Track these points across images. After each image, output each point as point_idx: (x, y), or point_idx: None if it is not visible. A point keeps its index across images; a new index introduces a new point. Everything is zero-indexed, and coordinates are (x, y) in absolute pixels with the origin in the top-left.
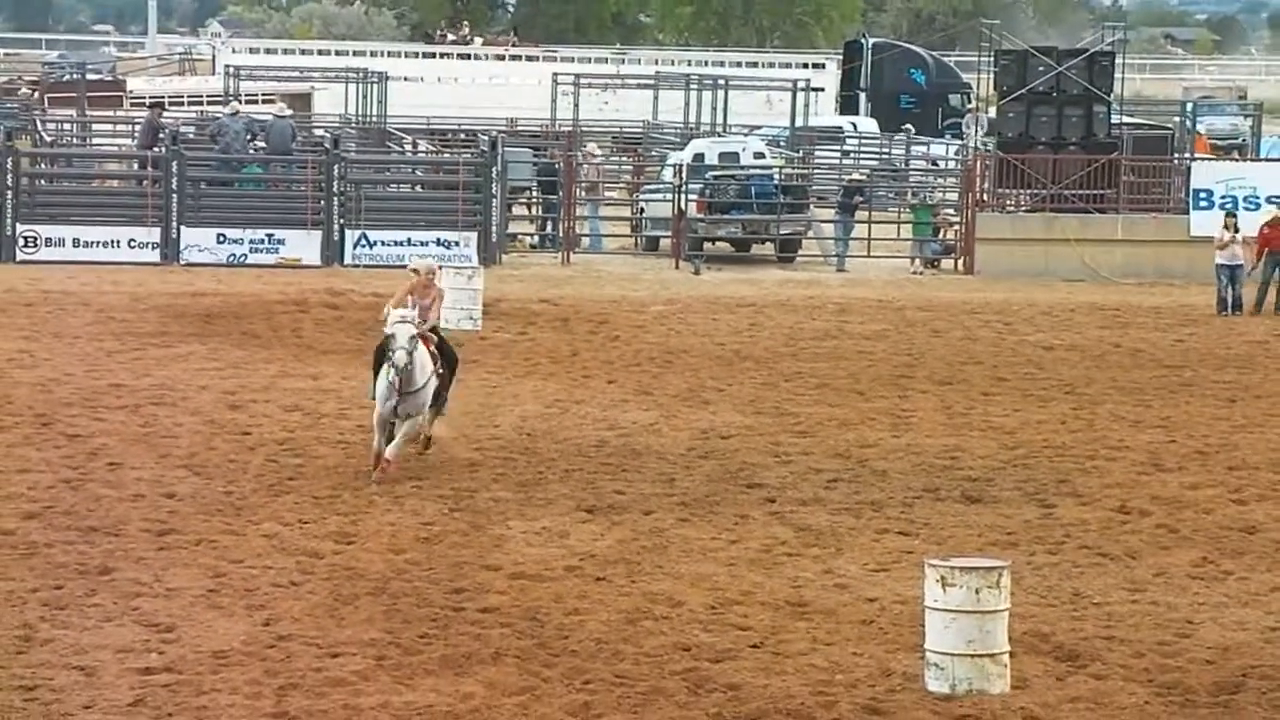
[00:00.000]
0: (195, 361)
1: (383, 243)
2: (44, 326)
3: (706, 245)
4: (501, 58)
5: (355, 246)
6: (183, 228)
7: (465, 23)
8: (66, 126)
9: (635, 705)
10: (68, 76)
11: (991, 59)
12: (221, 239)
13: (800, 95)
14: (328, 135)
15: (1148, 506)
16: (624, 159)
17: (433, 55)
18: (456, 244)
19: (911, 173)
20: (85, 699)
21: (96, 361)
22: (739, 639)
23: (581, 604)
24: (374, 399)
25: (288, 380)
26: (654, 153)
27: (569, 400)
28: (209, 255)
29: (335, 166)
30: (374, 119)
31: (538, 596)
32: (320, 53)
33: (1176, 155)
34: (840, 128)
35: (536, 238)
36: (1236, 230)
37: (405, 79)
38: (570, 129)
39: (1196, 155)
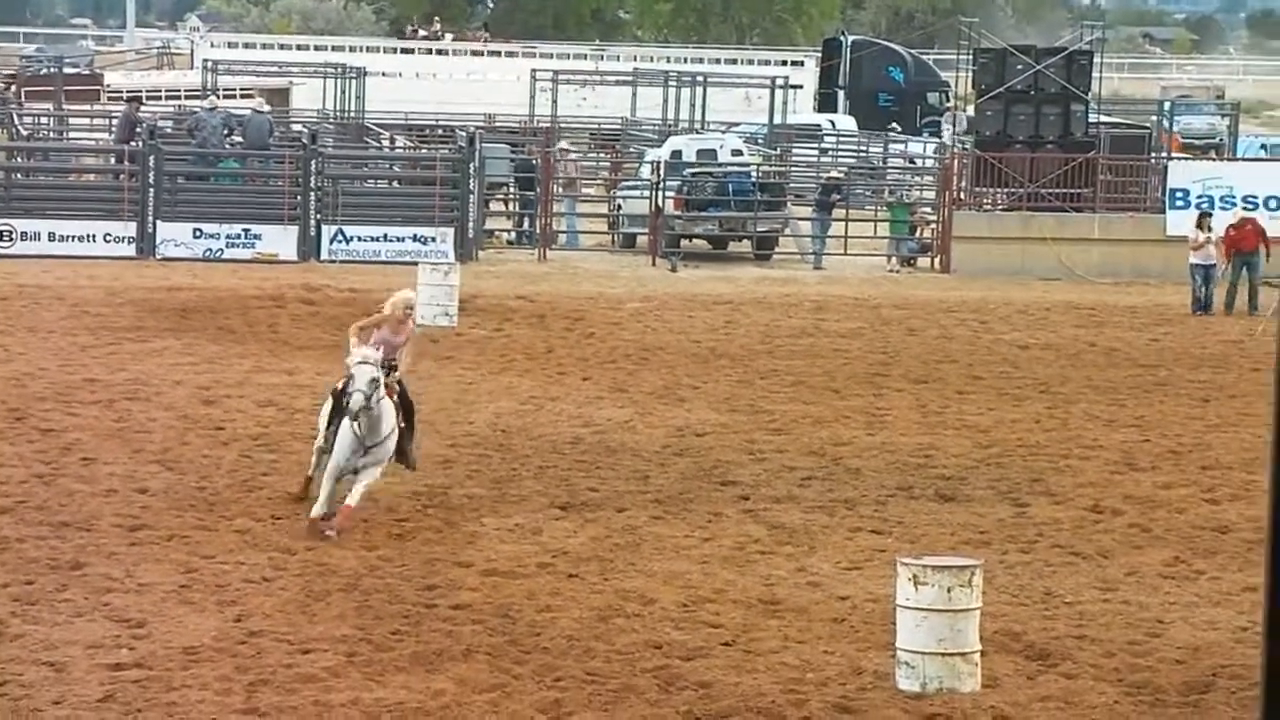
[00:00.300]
0: (170, 356)
1: (359, 238)
2: (18, 320)
3: (683, 242)
4: (479, 53)
5: (332, 242)
6: (159, 222)
7: (437, 19)
8: (43, 120)
9: (606, 703)
10: (45, 70)
11: (970, 57)
12: (198, 234)
13: (779, 93)
14: (305, 130)
15: (1121, 506)
16: (602, 156)
17: (411, 51)
18: (433, 240)
19: (889, 171)
20: (55, 694)
21: (70, 356)
22: (711, 637)
23: (554, 601)
24: (323, 443)
25: (263, 375)
26: (632, 149)
27: (544, 397)
28: (185, 250)
29: (312, 162)
30: (352, 114)
31: (510, 593)
32: (299, 48)
33: (1153, 155)
34: (818, 125)
35: (513, 234)
36: (1210, 230)
37: (383, 74)
38: (548, 125)
39: (1172, 155)
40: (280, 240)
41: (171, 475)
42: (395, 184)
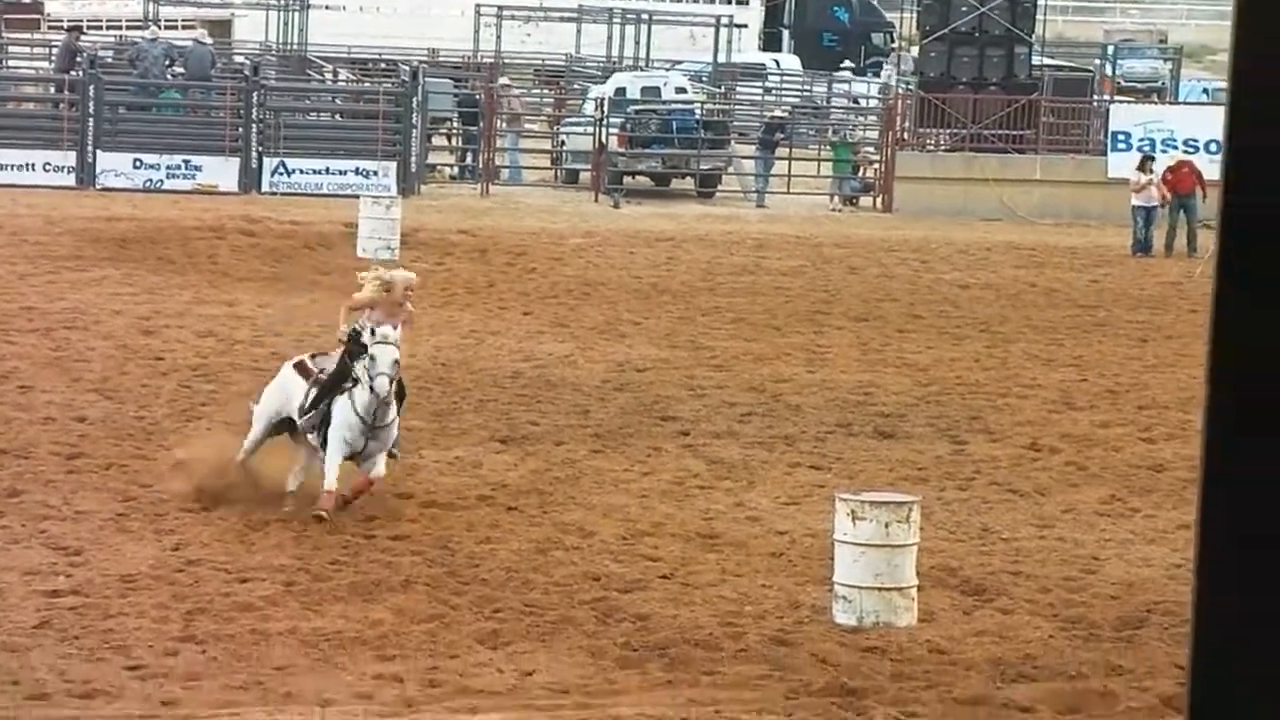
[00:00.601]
0: (109, 286)
1: (301, 171)
2: None
3: (626, 179)
4: None
5: (273, 174)
6: (99, 152)
7: None
8: None
9: (544, 634)
10: None
11: None
12: (138, 164)
13: (723, 31)
14: (247, 62)
15: (1058, 444)
16: (546, 92)
17: None
18: (375, 173)
19: (832, 110)
20: None
21: (8, 284)
22: (649, 570)
23: (493, 533)
24: (307, 424)
25: (202, 306)
26: (576, 86)
27: (485, 331)
28: (125, 180)
29: (254, 94)
30: (294, 47)
31: (449, 525)
32: None
33: (1095, 98)
34: (763, 64)
35: (456, 169)
36: (1153, 173)
37: (326, 7)
38: (492, 61)
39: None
40: (221, 172)
41: (110, 404)
42: (338, 117)
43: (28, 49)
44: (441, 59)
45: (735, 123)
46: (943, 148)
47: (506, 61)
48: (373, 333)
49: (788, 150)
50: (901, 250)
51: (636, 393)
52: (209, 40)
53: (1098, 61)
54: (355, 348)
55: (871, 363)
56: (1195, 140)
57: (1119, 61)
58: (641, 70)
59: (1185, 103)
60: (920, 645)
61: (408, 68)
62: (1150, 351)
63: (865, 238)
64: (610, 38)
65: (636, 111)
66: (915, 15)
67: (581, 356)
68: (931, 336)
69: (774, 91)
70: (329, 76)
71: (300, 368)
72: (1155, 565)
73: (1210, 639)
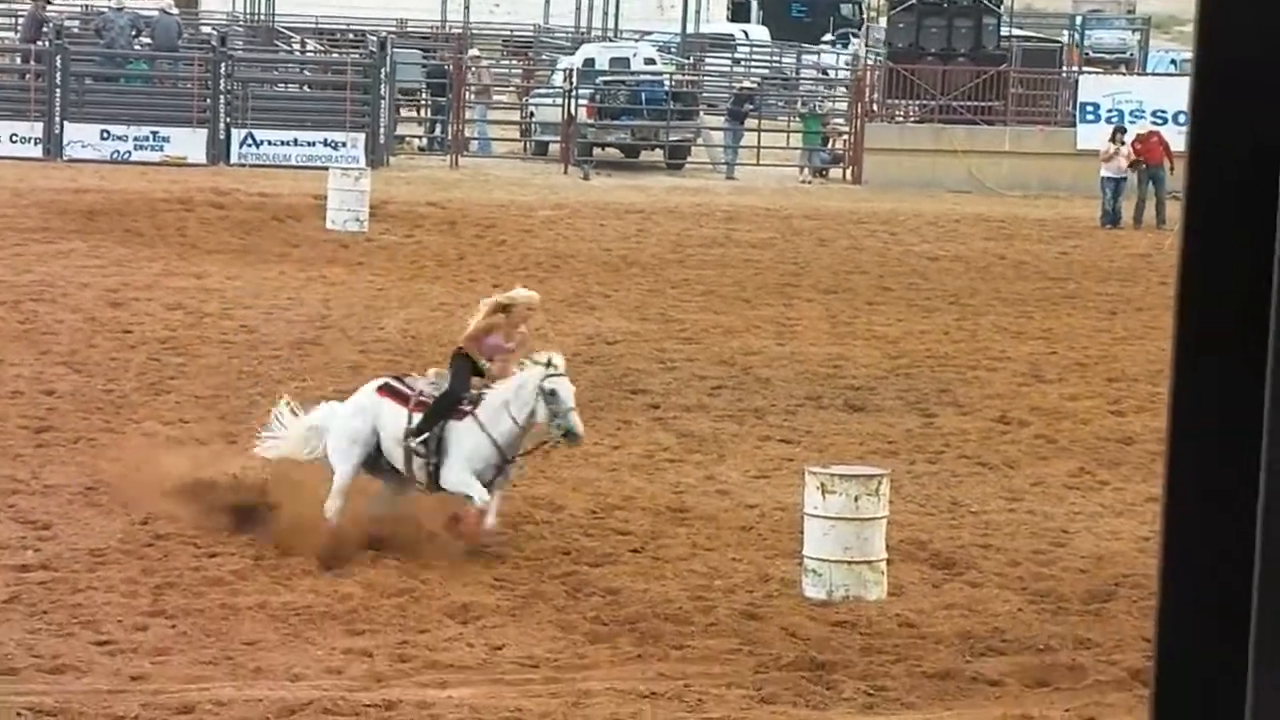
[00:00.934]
0: (77, 258)
1: (269, 142)
2: None
3: (596, 151)
4: None
5: (241, 146)
6: (66, 123)
7: None
8: None
9: (514, 608)
10: None
11: None
12: (105, 135)
13: (692, 2)
14: (215, 33)
15: (1027, 417)
16: (514, 63)
17: None
18: (344, 145)
19: (801, 81)
20: None
21: None
22: (619, 544)
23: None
24: (422, 448)
25: (171, 279)
26: (544, 57)
27: (455, 304)
28: (93, 151)
29: (222, 65)
30: (262, 17)
31: (418, 498)
32: None
33: (1064, 69)
34: (731, 35)
35: (425, 140)
36: (1124, 144)
37: None
38: (460, 32)
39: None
40: (189, 143)
41: (79, 378)
42: (306, 88)
43: None
44: (410, 29)
45: (704, 94)
46: (911, 119)
47: (475, 32)
48: (549, 364)
49: (757, 122)
50: (871, 222)
51: (606, 366)
52: (175, 10)
53: (1066, 32)
54: (462, 369)
55: (841, 335)
56: (1164, 111)
57: (1087, 32)
58: (610, 41)
59: (1154, 74)
60: (889, 619)
61: (376, 39)
62: (1119, 324)
63: (834, 210)
64: (579, 8)
65: (605, 83)
66: None
67: (551, 329)
68: (901, 309)
69: (743, 63)
70: (297, 47)
71: (390, 391)
72: (1124, 538)
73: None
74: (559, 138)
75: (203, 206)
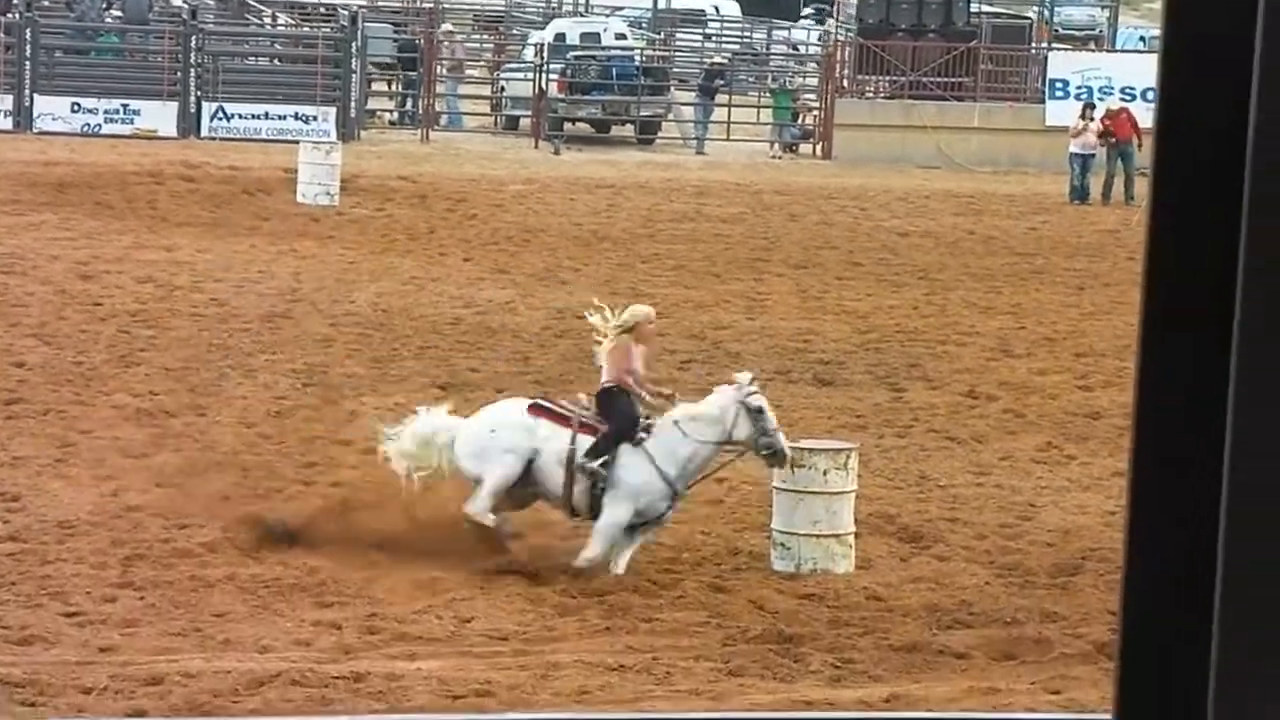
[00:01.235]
0: (47, 231)
1: (240, 116)
2: None
3: (566, 125)
4: None
5: (212, 119)
6: (36, 96)
7: None
8: None
9: (483, 582)
10: None
11: None
12: (76, 108)
13: None
14: (185, 6)
15: (995, 391)
16: (485, 37)
17: None
18: (315, 119)
19: (772, 57)
20: None
21: None
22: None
23: (433, 480)
24: (598, 466)
25: (141, 252)
26: (515, 32)
27: (425, 278)
28: (63, 124)
29: (193, 38)
30: None
31: (389, 472)
32: None
33: (1034, 45)
34: (702, 10)
35: (395, 114)
36: (1093, 120)
37: None
38: (431, 6)
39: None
40: (160, 116)
41: (49, 350)
42: (277, 62)
43: None
44: (380, 4)
45: (675, 69)
46: (881, 95)
47: (446, 7)
48: (751, 381)
49: (727, 97)
50: (841, 198)
51: (577, 340)
52: None
53: (1035, 8)
54: (620, 398)
55: (811, 310)
56: (1132, 88)
57: (1057, 9)
58: (581, 16)
59: (1123, 50)
60: (857, 592)
61: (347, 12)
62: (1087, 299)
63: (805, 185)
64: None
65: (576, 58)
66: None
67: (522, 303)
68: (870, 284)
69: (714, 38)
70: (268, 21)
71: (544, 411)
72: (1091, 512)
73: (1141, 586)
74: (530, 112)
75: (173, 180)
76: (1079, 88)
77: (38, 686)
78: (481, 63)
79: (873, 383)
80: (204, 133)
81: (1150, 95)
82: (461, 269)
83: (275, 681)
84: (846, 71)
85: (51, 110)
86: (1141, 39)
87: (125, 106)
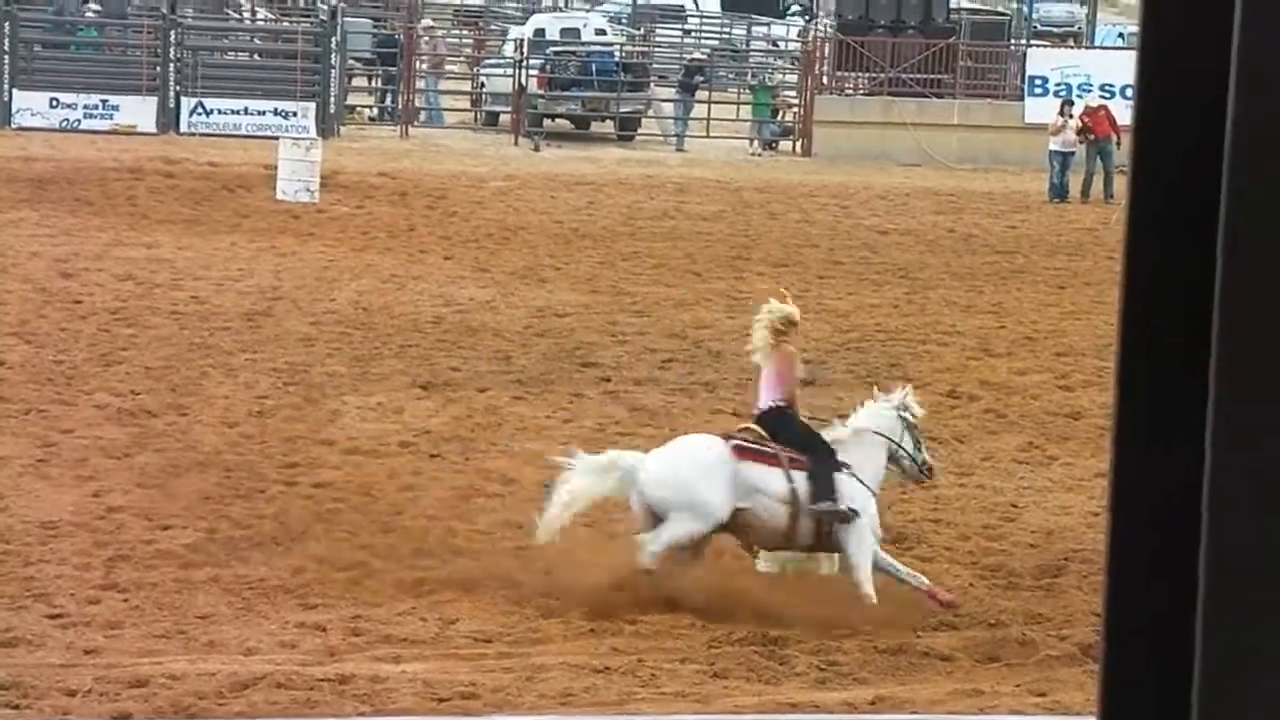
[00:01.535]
0: (26, 228)
1: (220, 111)
2: None
3: (546, 122)
4: None
5: (192, 114)
6: (15, 91)
7: None
8: None
9: (466, 583)
10: None
11: None
12: (55, 103)
13: None
14: (165, 0)
15: (977, 391)
16: (465, 33)
17: None
18: (294, 114)
19: (752, 53)
20: None
21: None
22: (572, 518)
23: (415, 480)
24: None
25: (121, 249)
26: (495, 27)
27: (406, 276)
28: (42, 120)
29: (172, 32)
30: None
31: (371, 472)
32: None
33: (1013, 42)
34: (682, 6)
35: (375, 110)
36: (1071, 117)
37: None
38: (411, 1)
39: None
40: (139, 111)
41: (29, 348)
42: (256, 57)
43: None
44: None
45: (655, 65)
46: (861, 92)
47: (426, 2)
48: (906, 394)
49: (707, 94)
50: (821, 195)
51: (558, 339)
52: None
53: (1015, 5)
54: (792, 421)
55: None
56: (1111, 85)
57: (1035, 5)
58: (561, 11)
59: (1102, 47)
60: (841, 594)
61: (326, 7)
62: (1068, 298)
63: (785, 182)
64: None
65: (556, 53)
66: None
67: (503, 301)
68: (851, 283)
69: (693, 34)
70: (247, 16)
71: (750, 453)
72: (1073, 513)
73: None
74: (510, 108)
75: (153, 176)
76: (1058, 85)
77: (22, 689)
78: (461, 58)
79: (854, 382)
80: (183, 128)
81: (1129, 92)
82: (442, 267)
83: (260, 684)
84: (826, 68)
85: (30, 105)
86: (1120, 35)
87: (104, 102)
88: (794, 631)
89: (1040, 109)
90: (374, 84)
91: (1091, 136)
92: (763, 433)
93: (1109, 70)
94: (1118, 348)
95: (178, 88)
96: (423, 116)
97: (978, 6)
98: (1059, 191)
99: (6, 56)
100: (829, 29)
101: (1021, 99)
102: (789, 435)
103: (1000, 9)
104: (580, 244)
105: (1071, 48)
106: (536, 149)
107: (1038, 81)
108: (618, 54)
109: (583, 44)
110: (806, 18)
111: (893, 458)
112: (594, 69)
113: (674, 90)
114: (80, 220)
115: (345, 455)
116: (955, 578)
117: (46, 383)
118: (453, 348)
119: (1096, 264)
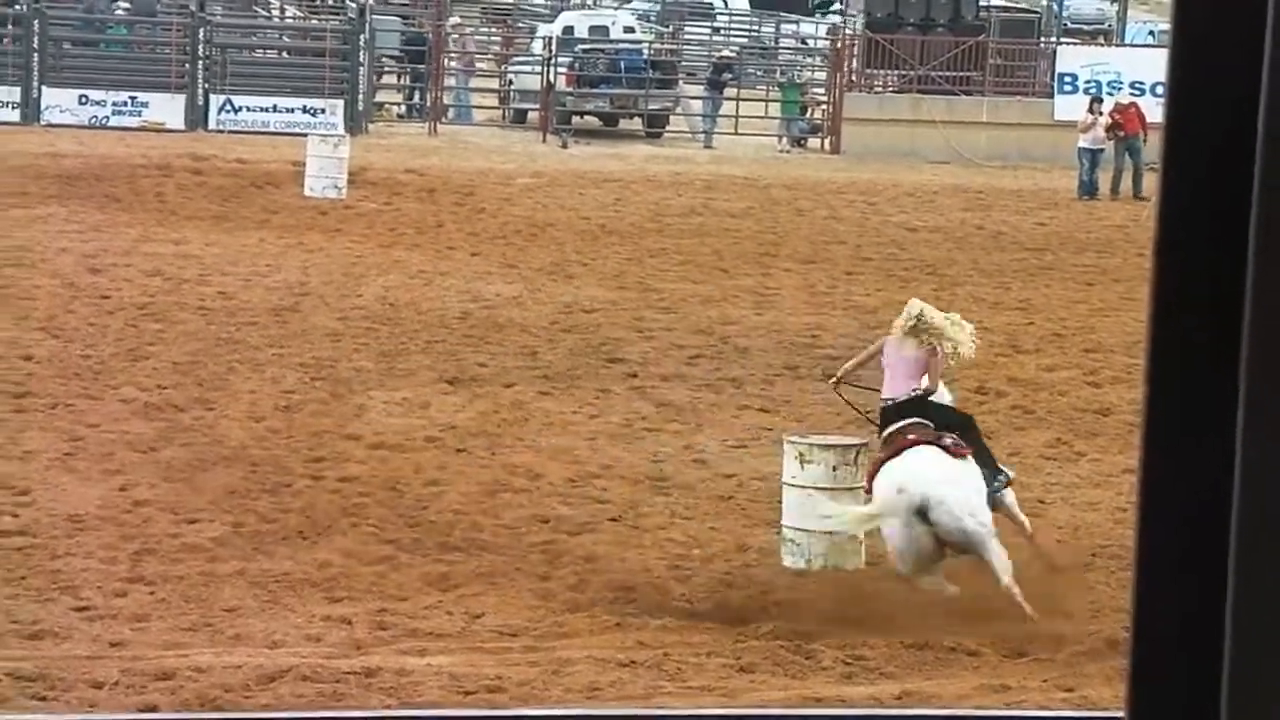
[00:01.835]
0: (55, 223)
1: (248, 108)
2: None
3: (575, 119)
4: None
5: (220, 112)
6: (44, 88)
7: None
8: None
9: (493, 577)
10: None
11: None
12: (84, 100)
13: None
14: None
15: (1004, 387)
16: (494, 30)
17: None
18: (323, 112)
19: (780, 51)
20: None
21: None
22: (598, 512)
23: (441, 475)
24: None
25: (149, 245)
26: (523, 25)
27: (433, 272)
28: (70, 116)
29: (201, 30)
30: None
31: (397, 467)
32: None
33: (1042, 39)
34: (711, 4)
35: (403, 107)
36: (1101, 114)
37: None
38: None
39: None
40: (167, 109)
41: (56, 343)
42: (285, 54)
43: None
44: None
45: (683, 63)
46: (890, 89)
47: None
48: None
49: (735, 91)
50: (849, 192)
51: (585, 334)
52: None
53: (1044, 3)
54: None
55: (819, 305)
56: (1141, 83)
57: (1066, 3)
58: (589, 9)
59: (1132, 45)
60: (869, 588)
61: (355, 5)
62: (1097, 295)
63: (813, 179)
64: None
65: (584, 51)
66: None
67: (530, 298)
68: (879, 279)
69: (722, 31)
70: (276, 13)
71: (949, 449)
72: (1101, 509)
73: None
74: (538, 106)
75: (181, 172)
76: (1088, 82)
77: (49, 681)
78: (490, 56)
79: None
80: (212, 125)
81: (1160, 90)
82: (469, 263)
83: (286, 677)
84: (855, 65)
85: (59, 102)
86: (1151, 33)
87: (133, 99)
88: (819, 626)
89: (1070, 106)
90: (402, 81)
91: (1121, 133)
92: (924, 421)
93: (1139, 68)
94: (1147, 344)
95: (206, 85)
96: (451, 113)
97: (1007, 4)
98: (1088, 188)
99: (36, 54)
100: (858, 27)
101: (1051, 96)
102: (945, 420)
103: (1030, 6)
104: (608, 240)
105: (1101, 45)
106: (564, 146)
107: (1067, 79)
108: (646, 51)
109: (611, 41)
110: (840, 14)
111: None
112: (622, 66)
113: (702, 88)
114: (108, 216)
115: (371, 450)
116: (981, 573)
117: (74, 377)
118: (479, 343)
119: (1126, 261)
